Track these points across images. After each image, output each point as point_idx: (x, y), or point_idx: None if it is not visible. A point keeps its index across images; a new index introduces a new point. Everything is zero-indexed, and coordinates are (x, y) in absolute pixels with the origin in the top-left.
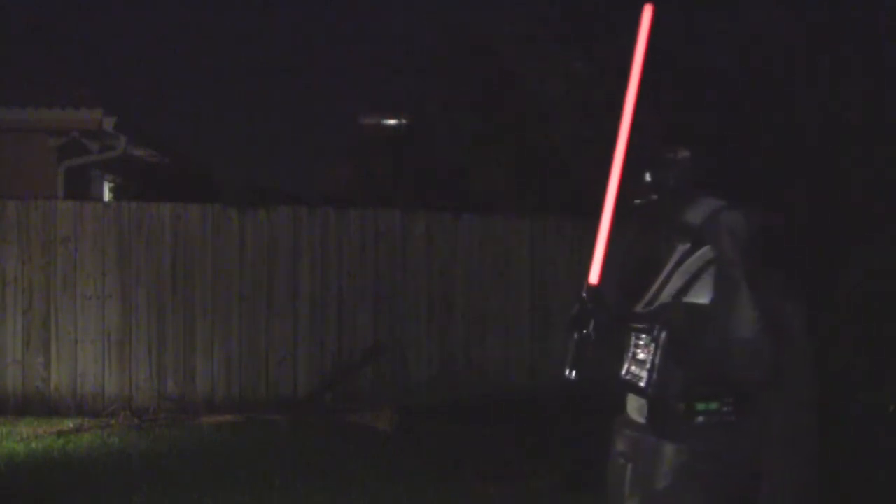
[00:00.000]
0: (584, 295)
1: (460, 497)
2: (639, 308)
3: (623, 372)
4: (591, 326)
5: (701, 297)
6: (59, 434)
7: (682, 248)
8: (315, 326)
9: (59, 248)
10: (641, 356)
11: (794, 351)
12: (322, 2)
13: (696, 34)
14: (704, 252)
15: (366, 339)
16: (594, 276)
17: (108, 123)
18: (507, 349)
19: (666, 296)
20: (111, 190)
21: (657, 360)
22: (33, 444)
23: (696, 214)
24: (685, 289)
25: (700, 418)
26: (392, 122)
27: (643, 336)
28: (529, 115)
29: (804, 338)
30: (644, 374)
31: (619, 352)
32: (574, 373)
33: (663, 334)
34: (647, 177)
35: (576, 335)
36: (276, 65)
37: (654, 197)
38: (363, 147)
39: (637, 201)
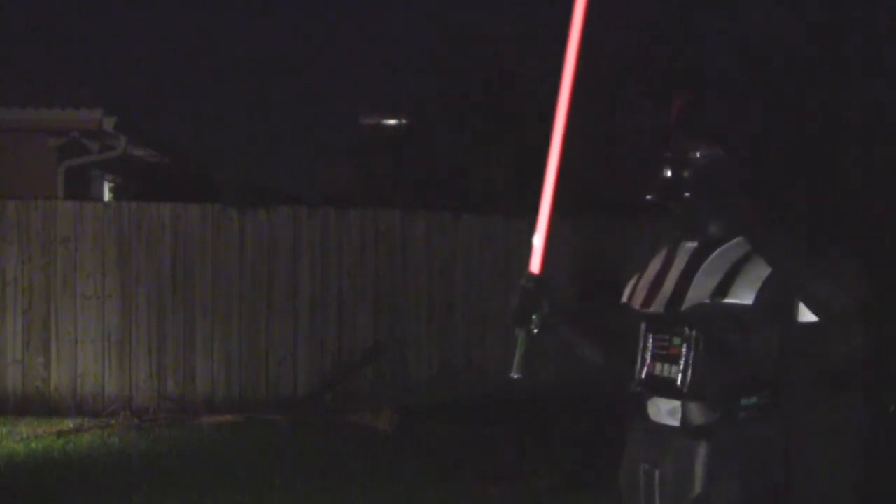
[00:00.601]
0: (526, 284)
1: (460, 497)
2: (653, 308)
3: (643, 375)
4: (534, 320)
5: (742, 297)
6: (59, 434)
7: (688, 245)
8: (315, 326)
9: (59, 248)
10: (670, 357)
11: (850, 348)
12: (322, 2)
13: (696, 34)
14: (728, 250)
15: (366, 339)
16: (536, 266)
17: (108, 123)
18: (507, 349)
19: (695, 296)
20: (111, 190)
21: (694, 361)
22: (33, 444)
23: (718, 217)
24: (722, 289)
25: (742, 414)
26: (392, 122)
27: (669, 337)
28: (529, 115)
29: (860, 333)
30: (678, 375)
31: (571, 347)
32: (520, 373)
33: (702, 337)
34: (668, 173)
35: (521, 331)
36: (277, 65)
37: (687, 195)
38: (363, 147)
39: (648, 197)
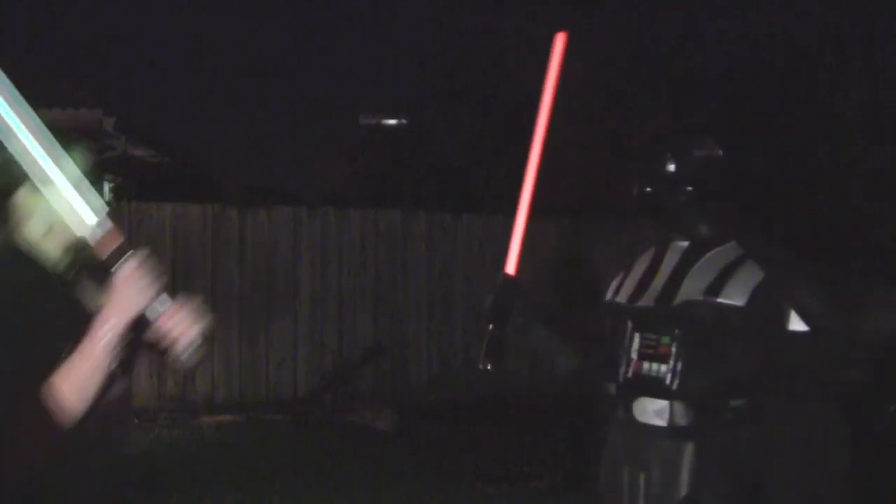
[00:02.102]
0: (500, 284)
1: (460, 497)
2: (641, 303)
3: (629, 374)
4: (510, 318)
5: (735, 298)
6: None
7: (680, 245)
8: (315, 326)
9: None
10: (658, 356)
11: (826, 356)
12: (323, 2)
13: (696, 35)
14: (722, 252)
15: (366, 339)
16: (511, 267)
17: (108, 123)
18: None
19: (687, 293)
20: (111, 190)
21: (684, 361)
22: None
23: (703, 220)
24: (715, 288)
25: (729, 416)
26: (392, 122)
27: (657, 336)
28: (529, 115)
29: (837, 342)
30: (667, 374)
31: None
32: (490, 365)
33: (691, 336)
34: (670, 168)
35: (491, 327)
36: (277, 65)
37: (685, 193)
38: (363, 147)
39: (648, 189)
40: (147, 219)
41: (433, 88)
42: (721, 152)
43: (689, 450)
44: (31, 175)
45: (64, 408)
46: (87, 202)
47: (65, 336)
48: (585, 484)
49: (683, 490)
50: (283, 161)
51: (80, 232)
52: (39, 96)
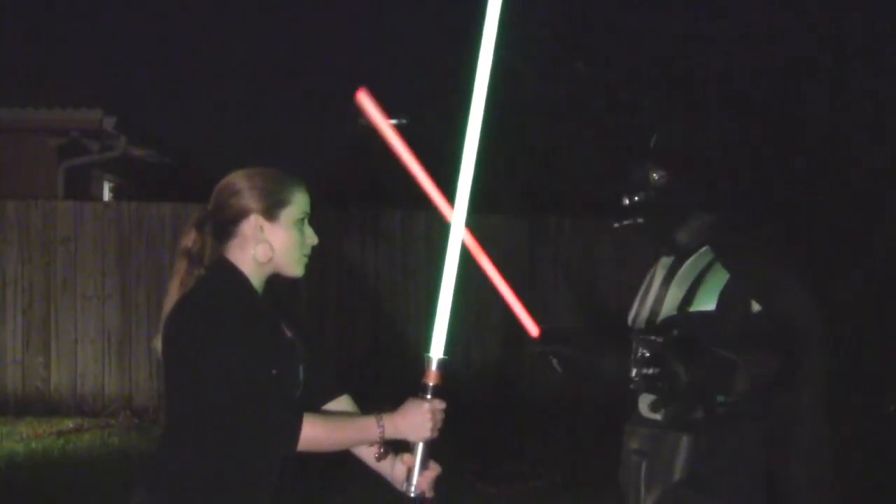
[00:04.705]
0: (531, 350)
1: (460, 497)
2: (636, 323)
3: (633, 375)
4: (557, 363)
5: (706, 305)
6: (59, 434)
7: (666, 260)
8: (315, 326)
9: (59, 248)
10: (655, 356)
11: (806, 355)
12: (323, 1)
13: (695, 35)
14: (696, 260)
15: (366, 339)
16: (532, 329)
17: (108, 123)
18: (506, 349)
19: (667, 309)
20: (111, 190)
21: (673, 365)
22: (33, 444)
23: (685, 231)
24: (688, 299)
25: (720, 410)
26: (392, 122)
27: (653, 338)
28: (529, 115)
29: (818, 341)
30: (659, 373)
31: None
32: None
33: (675, 345)
34: (625, 200)
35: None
36: (277, 64)
37: (640, 220)
38: (363, 147)
39: (616, 225)
40: (147, 219)
41: (433, 88)
42: (677, 174)
43: (683, 440)
44: None
45: (306, 440)
46: (444, 340)
47: (271, 357)
48: (585, 484)
49: (678, 475)
50: (284, 161)
51: (429, 354)
52: (40, 96)
